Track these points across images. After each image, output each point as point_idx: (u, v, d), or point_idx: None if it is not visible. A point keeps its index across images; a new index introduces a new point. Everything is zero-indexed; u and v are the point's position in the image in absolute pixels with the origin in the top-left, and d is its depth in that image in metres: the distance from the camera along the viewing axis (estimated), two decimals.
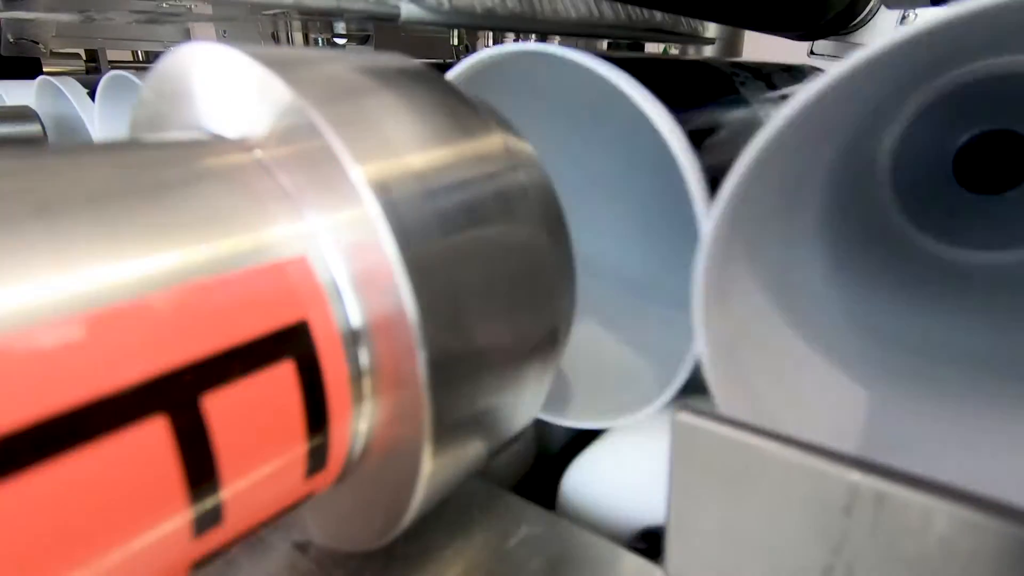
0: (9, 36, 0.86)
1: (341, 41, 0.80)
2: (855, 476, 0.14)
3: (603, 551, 0.23)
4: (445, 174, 0.19)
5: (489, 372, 0.19)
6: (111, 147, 0.17)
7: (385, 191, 0.17)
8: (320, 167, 0.17)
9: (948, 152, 0.45)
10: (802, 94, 0.20)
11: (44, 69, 1.03)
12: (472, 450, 0.21)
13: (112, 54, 1.29)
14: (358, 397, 0.18)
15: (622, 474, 0.30)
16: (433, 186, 0.18)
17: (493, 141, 0.21)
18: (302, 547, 0.23)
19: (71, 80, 0.70)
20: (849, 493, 0.14)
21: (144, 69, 1.34)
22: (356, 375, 0.18)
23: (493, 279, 0.19)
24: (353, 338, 0.17)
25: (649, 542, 0.28)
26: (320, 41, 0.81)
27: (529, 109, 0.30)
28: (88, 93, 0.67)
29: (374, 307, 0.17)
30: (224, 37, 0.83)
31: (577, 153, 0.42)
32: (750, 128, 0.23)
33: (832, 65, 0.19)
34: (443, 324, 0.17)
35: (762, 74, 0.45)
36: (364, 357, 0.18)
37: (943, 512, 0.13)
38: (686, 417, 0.16)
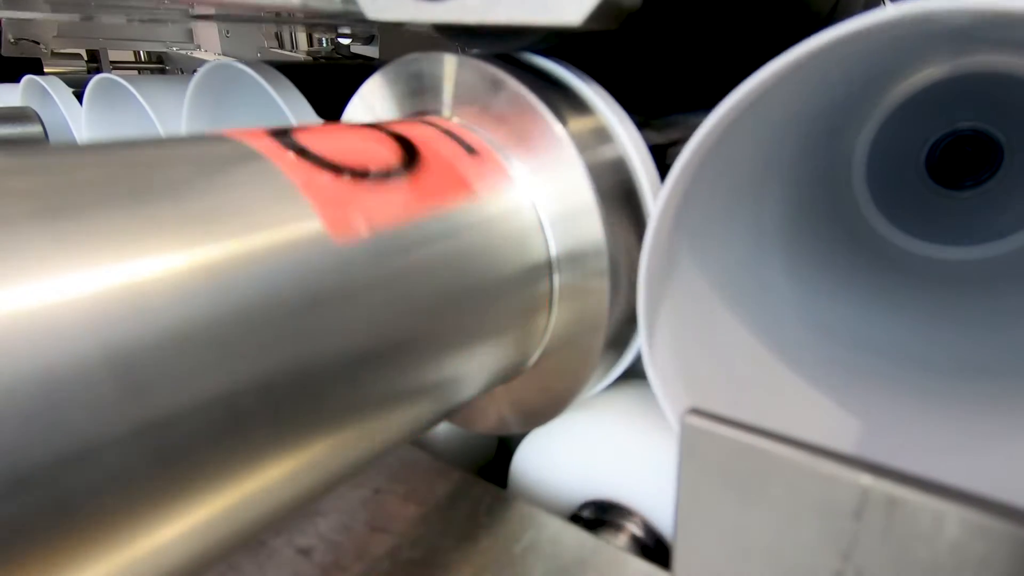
0: (10, 36, 0.87)
1: (345, 41, 0.81)
2: (866, 480, 0.14)
3: (610, 556, 0.23)
4: (608, 134, 0.26)
5: (631, 289, 0.25)
6: (112, 147, 0.17)
7: (580, 143, 0.24)
8: (526, 126, 0.24)
9: (922, 149, 0.45)
10: (746, 83, 0.20)
11: (45, 70, 1.04)
12: (615, 354, 0.27)
13: (114, 55, 1.29)
14: (551, 308, 0.25)
15: (567, 449, 0.31)
16: (604, 143, 0.25)
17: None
18: (305, 552, 0.23)
19: (56, 80, 0.70)
20: (859, 497, 0.14)
21: (145, 69, 1.34)
22: (550, 293, 0.25)
23: (638, 222, 0.26)
24: (552, 265, 0.24)
25: (590, 513, 0.30)
26: (324, 41, 0.81)
27: None
28: (75, 94, 0.67)
29: (571, 239, 0.24)
30: (227, 37, 0.83)
31: None
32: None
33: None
34: (619, 250, 0.24)
35: None
36: (557, 279, 0.25)
37: (954, 516, 0.13)
38: (694, 421, 0.16)
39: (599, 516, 0.29)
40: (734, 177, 0.29)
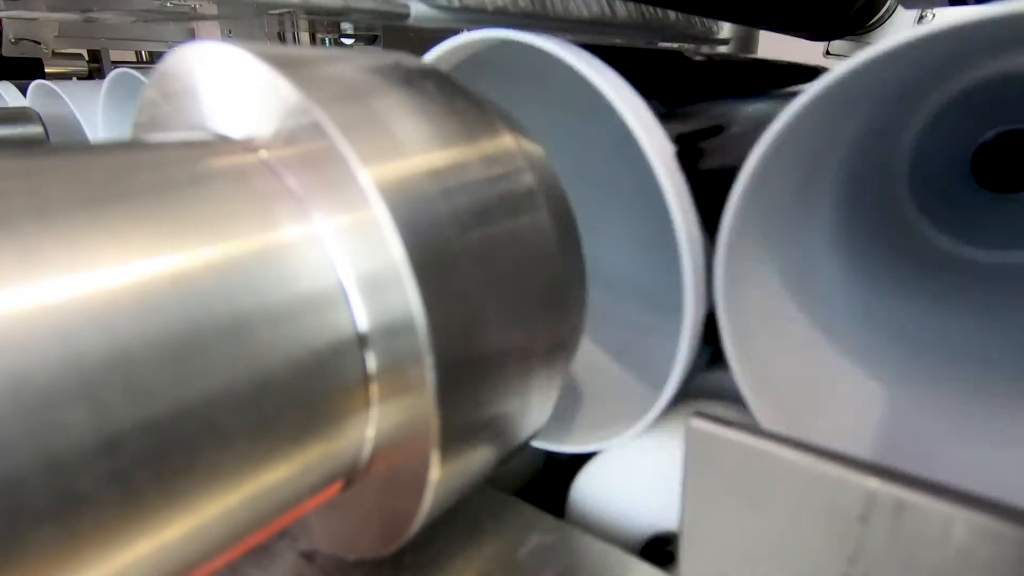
0: (11, 36, 0.87)
1: (349, 41, 0.81)
2: (873, 483, 0.14)
3: (615, 560, 0.23)
4: (453, 176, 0.19)
5: (499, 378, 0.19)
6: (113, 148, 0.17)
7: (392, 193, 0.17)
8: (327, 168, 0.17)
9: (967, 150, 0.45)
10: (814, 85, 0.20)
11: (46, 70, 1.04)
12: (481, 457, 0.21)
13: (115, 54, 1.29)
14: (365, 403, 0.18)
15: (630, 481, 0.30)
16: (441, 188, 0.18)
17: (502, 142, 0.21)
18: (309, 556, 0.23)
19: (68, 83, 0.71)
20: (866, 501, 0.14)
21: (147, 70, 1.34)
22: (363, 380, 0.18)
23: (502, 283, 0.19)
24: (360, 342, 0.18)
25: (655, 549, 0.29)
26: (327, 41, 0.82)
27: (525, 106, 0.30)
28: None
29: (382, 310, 0.17)
30: (229, 36, 0.83)
31: (579, 156, 0.42)
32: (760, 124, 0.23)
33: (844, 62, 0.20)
34: (451, 328, 0.17)
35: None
36: (371, 362, 0.18)
37: (962, 520, 0.13)
38: (700, 424, 0.17)
39: (671, 548, 0.28)
40: (792, 178, 0.29)
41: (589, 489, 0.31)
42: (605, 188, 0.44)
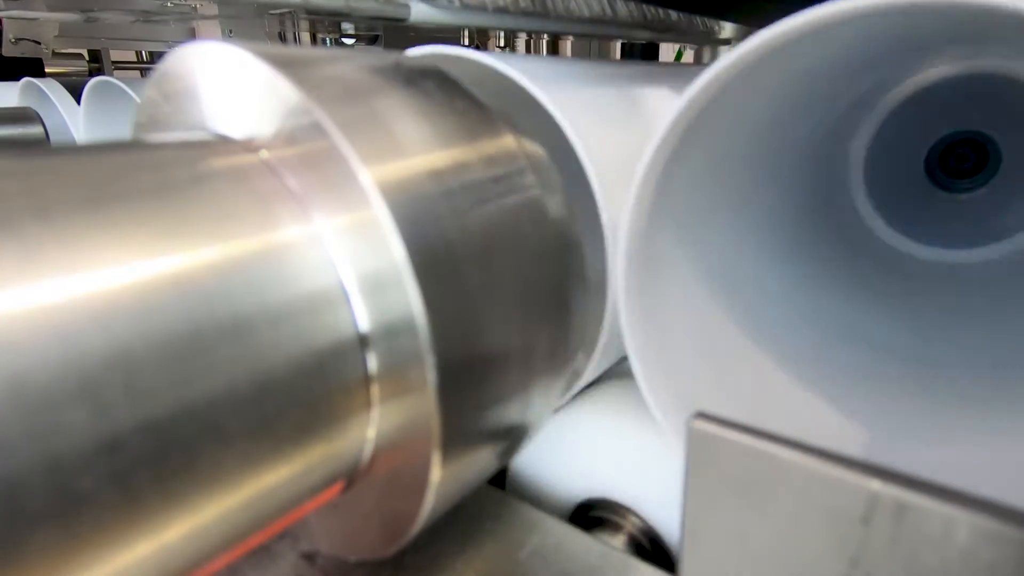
0: (11, 36, 0.87)
1: (349, 41, 0.81)
2: (875, 485, 0.14)
3: (616, 562, 0.23)
4: (454, 175, 0.19)
5: (500, 378, 0.20)
6: (114, 148, 0.17)
7: (393, 193, 0.17)
8: (328, 168, 0.17)
9: (921, 150, 0.46)
10: (709, 70, 0.21)
11: (46, 70, 1.04)
12: (482, 458, 0.21)
13: (116, 55, 1.30)
14: (366, 403, 0.18)
15: (565, 447, 0.31)
16: (442, 188, 0.18)
17: (503, 142, 0.21)
18: (309, 557, 0.23)
19: (54, 82, 0.71)
20: (868, 502, 0.14)
21: (148, 70, 1.35)
22: (364, 380, 0.18)
23: (504, 283, 0.19)
24: (361, 343, 0.18)
25: (582, 514, 0.30)
26: (328, 41, 0.82)
27: None
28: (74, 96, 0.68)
29: (382, 311, 0.17)
30: (229, 36, 0.83)
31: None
32: None
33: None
34: (452, 329, 0.17)
35: None
36: (372, 362, 0.18)
37: (964, 522, 0.13)
38: (701, 425, 0.17)
39: (597, 515, 0.29)
40: (722, 169, 0.29)
41: (528, 458, 0.32)
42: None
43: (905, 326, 0.36)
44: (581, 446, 0.31)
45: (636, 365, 0.25)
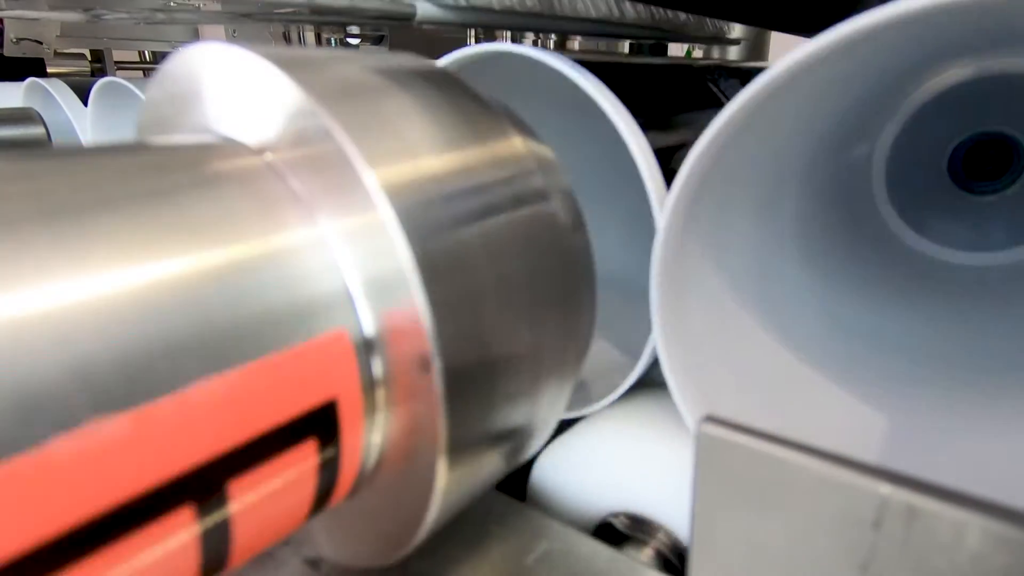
0: (12, 36, 0.87)
1: (355, 41, 0.81)
2: (885, 489, 0.14)
3: (624, 568, 0.23)
4: (461, 178, 0.19)
5: (507, 383, 0.20)
6: (118, 150, 0.17)
7: (399, 195, 0.17)
8: (333, 171, 0.17)
9: (944, 151, 0.46)
10: (755, 82, 0.21)
11: (48, 70, 1.04)
12: (488, 464, 0.21)
13: (118, 55, 1.30)
14: (371, 408, 0.18)
15: (589, 460, 0.31)
16: (449, 190, 0.18)
17: (511, 144, 0.21)
18: (313, 563, 0.24)
19: (60, 83, 0.71)
20: (879, 507, 0.14)
21: (151, 70, 1.35)
22: (369, 386, 0.18)
23: (511, 287, 0.19)
24: (366, 347, 0.18)
25: (608, 529, 0.30)
26: (333, 41, 0.82)
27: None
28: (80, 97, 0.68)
29: (388, 315, 0.17)
30: (234, 37, 0.84)
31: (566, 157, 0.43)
32: None
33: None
34: (459, 332, 0.17)
35: (740, 72, 0.46)
36: (378, 367, 0.18)
37: (976, 527, 0.13)
38: (710, 429, 0.17)
39: (623, 530, 0.29)
40: (750, 177, 0.29)
41: (550, 470, 0.32)
42: (592, 184, 0.46)
43: (931, 330, 0.36)
44: (605, 458, 0.31)
45: (669, 376, 0.25)
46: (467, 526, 0.25)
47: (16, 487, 0.11)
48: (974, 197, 0.46)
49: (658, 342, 0.25)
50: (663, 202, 0.25)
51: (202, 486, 0.14)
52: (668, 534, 0.28)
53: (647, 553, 0.28)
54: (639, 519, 0.29)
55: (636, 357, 0.30)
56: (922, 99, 0.43)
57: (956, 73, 0.41)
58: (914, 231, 0.45)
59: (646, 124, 0.28)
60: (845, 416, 0.30)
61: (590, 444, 0.31)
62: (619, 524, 0.29)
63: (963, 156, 0.45)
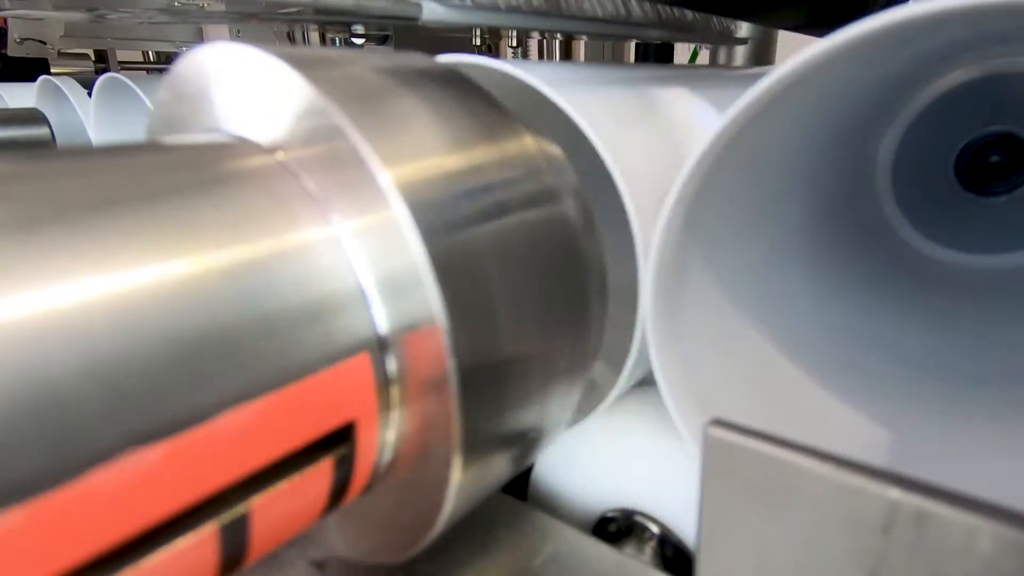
0: (16, 36, 0.88)
1: (359, 41, 0.81)
2: (895, 493, 0.14)
3: (632, 571, 0.23)
4: (475, 177, 0.19)
5: (520, 381, 0.20)
6: (131, 150, 0.18)
7: (413, 194, 0.17)
8: (346, 170, 0.17)
9: (950, 153, 0.45)
10: (760, 83, 0.21)
11: (52, 70, 1.05)
12: (501, 461, 0.21)
13: (122, 55, 1.30)
14: (385, 407, 0.18)
15: (589, 458, 0.31)
16: (462, 189, 0.19)
17: (522, 144, 0.21)
18: (320, 565, 0.24)
19: (71, 80, 0.72)
20: (888, 511, 0.14)
21: (154, 70, 1.35)
22: (384, 383, 0.18)
23: (524, 285, 0.19)
24: (381, 345, 0.18)
25: (613, 525, 0.30)
26: (337, 41, 0.82)
27: None
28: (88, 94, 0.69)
29: (402, 313, 0.17)
30: (238, 37, 0.84)
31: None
32: None
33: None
34: (473, 330, 0.18)
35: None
36: (392, 365, 0.18)
37: (987, 532, 0.13)
38: (718, 432, 0.17)
39: (622, 527, 0.29)
40: (751, 180, 0.29)
41: (550, 470, 0.32)
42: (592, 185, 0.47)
43: (935, 334, 0.36)
44: (605, 457, 0.31)
45: (660, 379, 0.25)
46: (474, 528, 0.25)
47: (56, 516, 0.12)
48: (981, 199, 0.45)
49: (651, 350, 0.25)
50: (639, 208, 0.25)
51: (225, 504, 0.15)
52: (666, 531, 0.29)
53: (646, 550, 0.28)
54: (637, 516, 0.29)
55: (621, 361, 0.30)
56: (928, 99, 0.43)
57: (963, 73, 0.41)
58: (920, 234, 0.45)
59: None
60: (844, 425, 0.30)
61: (590, 443, 0.31)
62: (618, 521, 0.30)
63: (970, 158, 0.45)
